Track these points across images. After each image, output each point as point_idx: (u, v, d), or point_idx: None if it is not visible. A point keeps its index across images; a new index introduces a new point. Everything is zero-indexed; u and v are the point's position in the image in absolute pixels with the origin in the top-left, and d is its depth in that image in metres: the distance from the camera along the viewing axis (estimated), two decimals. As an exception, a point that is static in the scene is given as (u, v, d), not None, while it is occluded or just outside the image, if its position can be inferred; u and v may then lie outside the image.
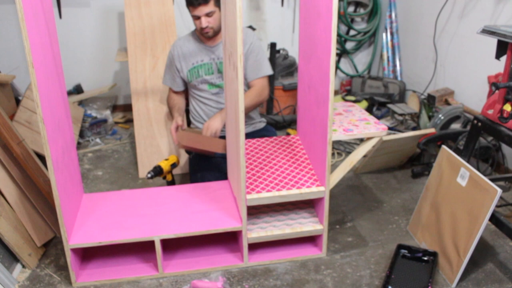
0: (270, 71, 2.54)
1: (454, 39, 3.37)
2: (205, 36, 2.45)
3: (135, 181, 2.90)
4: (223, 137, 2.39)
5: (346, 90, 4.24)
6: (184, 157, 2.95)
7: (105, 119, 3.60)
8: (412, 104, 3.67)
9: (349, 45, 4.26)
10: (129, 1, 2.84)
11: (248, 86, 2.55)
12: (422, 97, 3.64)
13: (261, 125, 2.67)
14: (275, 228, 2.06)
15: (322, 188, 1.99)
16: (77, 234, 1.95)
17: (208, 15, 2.35)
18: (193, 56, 2.52)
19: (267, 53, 3.95)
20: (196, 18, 2.38)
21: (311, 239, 2.18)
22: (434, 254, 2.03)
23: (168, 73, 2.61)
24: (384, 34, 4.18)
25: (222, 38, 2.13)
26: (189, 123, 2.81)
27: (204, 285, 1.91)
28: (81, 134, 3.45)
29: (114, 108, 4.00)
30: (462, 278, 1.95)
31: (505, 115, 1.98)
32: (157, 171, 2.31)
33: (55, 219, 2.19)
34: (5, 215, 2.00)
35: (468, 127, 2.36)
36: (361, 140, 3.10)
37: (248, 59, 2.49)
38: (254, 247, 2.12)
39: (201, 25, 2.38)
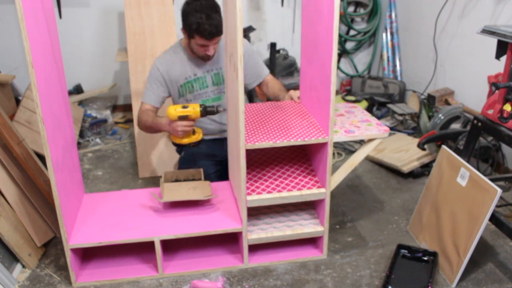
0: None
1: (454, 39, 3.37)
2: (204, 59, 2.34)
3: (135, 181, 2.90)
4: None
5: (346, 90, 4.24)
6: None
7: (105, 119, 3.60)
8: (412, 104, 3.67)
9: (349, 45, 4.26)
10: (129, 1, 2.84)
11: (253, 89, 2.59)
12: (422, 97, 3.64)
13: None
14: (275, 229, 2.06)
15: (323, 190, 1.99)
16: (77, 234, 1.94)
17: (216, 42, 2.24)
18: (185, 70, 2.36)
19: (267, 53, 3.96)
20: (202, 46, 2.23)
21: (311, 241, 2.18)
22: (434, 254, 2.03)
23: (152, 90, 2.37)
24: (384, 34, 4.18)
25: (223, 39, 2.12)
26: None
27: (204, 285, 1.91)
28: (81, 134, 3.45)
29: (114, 108, 4.00)
30: (462, 278, 1.95)
31: (505, 115, 1.98)
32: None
33: (55, 219, 2.19)
34: (5, 215, 2.00)
35: (468, 127, 2.36)
36: (362, 141, 3.10)
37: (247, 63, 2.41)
38: (255, 248, 2.12)
39: (207, 53, 2.25)
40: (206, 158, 2.49)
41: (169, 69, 2.35)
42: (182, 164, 2.54)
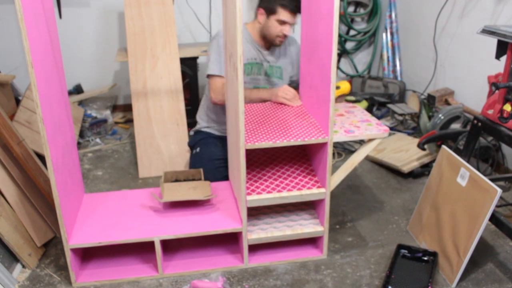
0: None
1: (454, 39, 3.37)
2: (274, 43, 2.44)
3: (135, 181, 2.90)
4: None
5: (346, 90, 4.24)
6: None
7: (105, 119, 3.60)
8: (412, 104, 3.67)
9: (349, 45, 4.26)
10: (129, 1, 2.84)
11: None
12: (422, 97, 3.64)
13: None
14: (275, 229, 2.06)
15: (322, 190, 1.99)
16: (77, 234, 1.95)
17: (292, 25, 2.36)
18: (249, 50, 2.47)
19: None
20: (282, 23, 2.36)
21: (311, 241, 2.18)
22: (434, 254, 2.03)
23: (219, 62, 2.41)
24: (384, 34, 4.18)
25: (223, 38, 2.12)
26: (194, 123, 2.80)
27: (204, 285, 1.91)
28: (81, 134, 3.45)
29: (114, 108, 4.00)
30: (462, 278, 1.95)
31: (505, 115, 1.98)
32: None
33: (55, 219, 2.19)
34: (5, 215, 2.00)
35: (468, 127, 2.36)
36: (362, 141, 3.10)
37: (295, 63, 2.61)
38: (254, 248, 2.12)
39: (284, 32, 2.37)
40: (222, 160, 2.50)
41: None
42: (197, 163, 2.53)
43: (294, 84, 2.63)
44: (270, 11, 2.37)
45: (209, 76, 2.44)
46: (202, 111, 2.69)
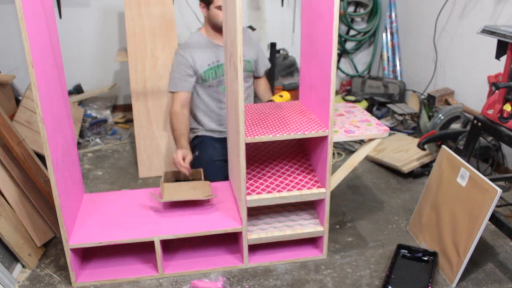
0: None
1: (454, 39, 3.37)
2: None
3: (135, 181, 2.90)
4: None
5: (346, 90, 4.25)
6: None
7: (105, 119, 3.60)
8: (412, 104, 3.67)
9: (349, 45, 4.26)
10: (129, 1, 2.84)
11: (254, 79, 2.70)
12: (422, 97, 3.64)
13: None
14: (275, 229, 2.06)
15: (323, 190, 1.99)
16: (77, 234, 1.95)
17: None
18: (208, 57, 2.46)
19: (267, 53, 3.95)
20: (221, 8, 2.32)
21: (311, 241, 2.18)
22: (434, 254, 2.03)
23: (184, 77, 2.45)
24: (384, 34, 4.18)
25: (224, 38, 2.12)
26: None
27: (204, 285, 1.91)
28: (81, 134, 3.45)
29: (114, 108, 4.00)
30: (462, 278, 1.95)
31: (505, 115, 1.99)
32: None
33: (55, 219, 2.19)
34: (5, 215, 2.00)
35: (468, 127, 2.36)
36: (362, 141, 3.10)
37: (259, 56, 2.63)
38: (254, 248, 2.12)
39: None
40: (222, 161, 2.49)
41: (193, 54, 2.45)
42: (198, 166, 2.52)
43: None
44: (207, 2, 2.38)
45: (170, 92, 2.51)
46: (191, 117, 2.67)
